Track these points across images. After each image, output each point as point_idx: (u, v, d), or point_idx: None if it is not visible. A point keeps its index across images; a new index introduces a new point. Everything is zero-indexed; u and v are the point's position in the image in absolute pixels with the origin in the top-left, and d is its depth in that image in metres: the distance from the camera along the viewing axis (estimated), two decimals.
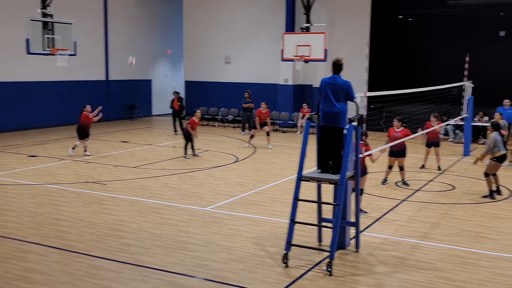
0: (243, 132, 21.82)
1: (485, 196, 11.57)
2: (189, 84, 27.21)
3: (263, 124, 18.49)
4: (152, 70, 28.46)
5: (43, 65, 21.00)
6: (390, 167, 12.92)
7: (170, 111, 22.20)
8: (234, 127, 24.16)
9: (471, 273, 7.26)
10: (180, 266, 7.43)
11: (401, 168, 12.88)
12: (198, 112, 16.67)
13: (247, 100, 21.72)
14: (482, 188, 12.15)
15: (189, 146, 16.06)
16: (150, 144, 18.76)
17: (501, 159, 11.57)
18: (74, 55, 17.62)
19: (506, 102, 17.46)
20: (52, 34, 16.80)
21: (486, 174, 11.69)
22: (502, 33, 25.91)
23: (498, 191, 11.75)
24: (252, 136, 18.40)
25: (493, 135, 11.65)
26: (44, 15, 16.71)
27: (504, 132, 14.49)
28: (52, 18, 16.86)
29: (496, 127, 11.95)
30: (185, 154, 16.00)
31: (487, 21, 26.32)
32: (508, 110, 17.29)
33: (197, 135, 16.48)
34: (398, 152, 12.76)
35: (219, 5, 26.08)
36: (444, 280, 7.03)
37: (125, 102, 26.60)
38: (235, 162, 15.64)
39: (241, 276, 7.10)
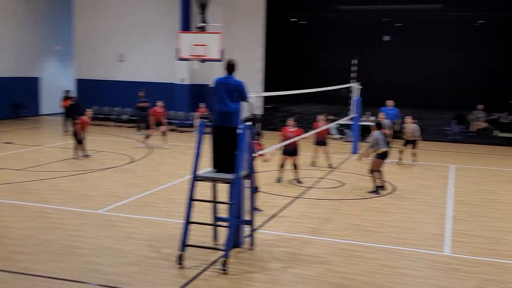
0: (138, 132, 21.35)
1: (371, 192, 12.24)
2: (81, 83, 26.14)
3: (158, 124, 18.22)
4: (40, 67, 26.97)
5: None
6: (282, 166, 13.26)
7: (61, 110, 21.21)
8: (129, 127, 23.56)
9: (358, 265, 7.65)
10: (71, 272, 7.11)
11: (295, 167, 13.27)
12: (89, 112, 16.06)
13: (142, 99, 21.29)
14: (368, 184, 12.83)
15: (80, 147, 15.43)
16: (38, 145, 17.78)
17: (383, 156, 12.32)
18: None
19: (389, 103, 18.60)
20: None
21: (371, 171, 12.38)
22: (386, 38, 27.59)
23: (382, 187, 12.49)
24: (147, 136, 18.08)
25: (375, 134, 12.37)
26: None
27: (387, 131, 15.44)
28: None
29: (379, 126, 12.73)
30: (76, 155, 15.34)
31: (373, 26, 27.89)
32: (391, 110, 18.43)
33: (84, 136, 15.57)
34: (291, 151, 13.13)
35: (112, 1, 25.32)
36: (333, 273, 7.35)
37: (9, 100, 24.95)
38: (130, 163, 15.27)
39: (134, 279, 6.95)
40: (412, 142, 15.97)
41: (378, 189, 12.29)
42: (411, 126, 15.87)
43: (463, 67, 26.56)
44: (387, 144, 13.05)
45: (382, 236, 9.12)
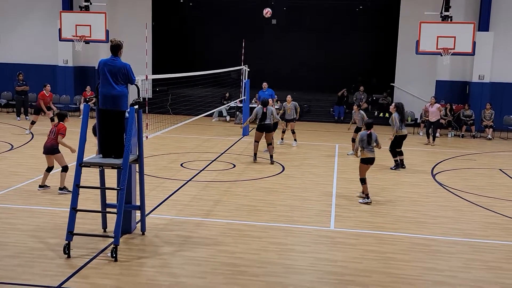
0: (18, 118, 20.10)
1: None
2: None
3: (48, 108, 17.30)
4: None
5: None
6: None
7: None
8: (8, 112, 22.09)
9: (248, 244, 7.85)
10: None
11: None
12: None
13: (21, 82, 20.03)
14: (258, 165, 13.15)
15: None
16: None
17: (259, 128, 13.70)
18: None
19: (264, 85, 19.20)
20: None
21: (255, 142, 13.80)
22: (273, 21, 28.15)
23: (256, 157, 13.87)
24: (33, 122, 16.97)
25: (255, 109, 13.94)
26: None
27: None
28: None
29: (264, 103, 13.97)
30: None
31: (261, 9, 28.26)
32: (266, 92, 19.09)
33: None
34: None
35: None
36: (225, 253, 7.48)
37: None
38: (10, 150, 14.35)
39: (17, 273, 6.59)
40: (291, 121, 16.50)
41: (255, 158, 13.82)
42: (291, 104, 16.41)
43: (345, 50, 27.85)
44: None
45: (271, 214, 9.41)
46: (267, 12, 11.37)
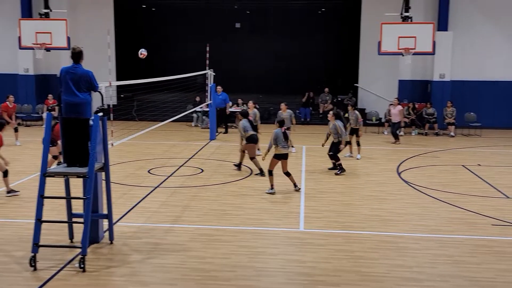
0: None
1: (257, 174, 12.83)
2: None
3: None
4: None
5: None
6: None
7: None
8: None
9: (218, 249, 7.84)
10: None
11: None
12: None
13: None
14: (225, 169, 13.14)
15: None
16: None
17: (251, 140, 13.05)
18: None
19: (219, 88, 19.31)
20: None
21: (251, 158, 13.01)
22: (237, 25, 28.19)
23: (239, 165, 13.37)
24: None
25: (242, 122, 13.27)
26: None
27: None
28: None
29: (244, 115, 13.58)
30: None
31: (224, 13, 28.31)
32: (220, 96, 19.22)
33: None
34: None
35: None
36: (194, 258, 7.44)
37: None
38: None
39: None
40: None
41: (240, 166, 13.28)
42: (252, 111, 15.51)
43: (310, 52, 28.07)
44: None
45: (239, 218, 9.41)
46: (142, 54, 11.45)
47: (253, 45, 28.42)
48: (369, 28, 21.92)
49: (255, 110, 15.41)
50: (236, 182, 12.20)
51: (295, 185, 11.36)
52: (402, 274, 7.03)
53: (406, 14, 17.54)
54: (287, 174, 11.30)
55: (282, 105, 15.35)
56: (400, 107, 18.49)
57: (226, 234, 8.51)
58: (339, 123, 13.07)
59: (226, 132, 20.10)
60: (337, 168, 13.15)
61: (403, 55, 17.41)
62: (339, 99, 24.64)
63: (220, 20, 28.27)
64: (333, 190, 11.58)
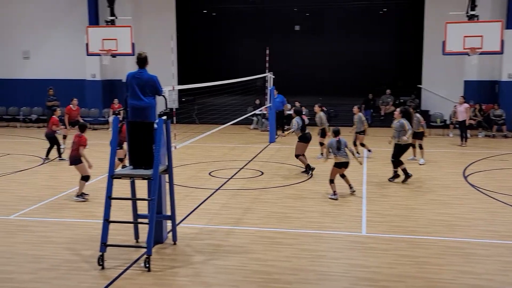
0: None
1: (303, 172, 13.01)
2: None
3: (74, 123, 17.49)
4: None
5: None
6: None
7: None
8: (39, 127, 22.53)
9: (279, 252, 7.83)
10: None
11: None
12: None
13: (52, 97, 20.43)
14: (286, 171, 13.13)
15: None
16: None
17: (304, 139, 13.03)
18: None
19: (275, 91, 19.27)
20: None
21: (297, 156, 13.08)
22: (297, 27, 28.13)
23: (310, 168, 13.16)
24: (64, 136, 17.17)
25: (294, 119, 13.17)
26: None
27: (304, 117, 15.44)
28: None
29: (297, 112, 13.48)
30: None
31: (283, 16, 28.34)
32: (276, 98, 19.18)
33: None
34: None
35: None
36: (255, 261, 7.47)
37: None
38: (42, 164, 14.63)
39: (53, 285, 6.71)
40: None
41: (308, 169, 13.02)
42: (318, 115, 15.27)
43: (370, 54, 27.62)
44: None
45: (301, 221, 9.37)
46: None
47: (312, 47, 28.26)
48: (433, 27, 21.29)
49: (321, 113, 15.24)
50: (296, 185, 12.17)
51: (350, 187, 11.22)
52: (470, 281, 6.78)
53: (472, 12, 16.93)
54: (342, 176, 11.18)
55: (355, 108, 15.45)
56: (466, 105, 17.84)
57: (287, 237, 8.50)
58: (405, 121, 12.31)
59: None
60: (395, 175, 12.40)
61: (469, 55, 16.81)
62: (401, 100, 24.09)
63: (279, 23, 28.32)
64: (396, 194, 11.33)
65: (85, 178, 10.77)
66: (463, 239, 8.38)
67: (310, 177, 12.82)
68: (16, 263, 7.42)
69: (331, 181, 10.97)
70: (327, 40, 28.28)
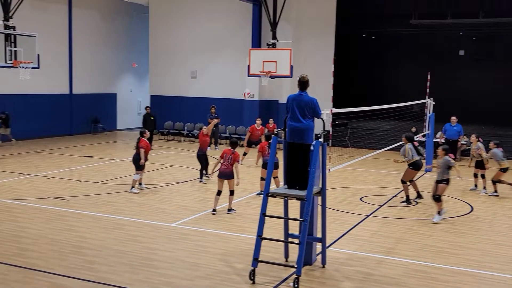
0: (216, 147, 21.69)
1: (402, 202, 12.63)
2: (155, 99, 27.02)
3: (256, 142, 18.02)
4: (117, 84, 28.14)
5: (6, 78, 20.66)
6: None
7: (135, 125, 21.93)
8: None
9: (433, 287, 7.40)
10: (145, 284, 7.32)
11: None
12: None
13: (213, 115, 21.71)
14: (445, 204, 12.41)
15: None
16: (115, 159, 18.49)
17: (415, 166, 12.59)
18: (37, 68, 17.31)
19: (453, 119, 18.34)
20: (15, 47, 16.46)
21: (403, 181, 12.73)
22: (461, 52, 26.73)
23: (419, 196, 12.88)
24: (245, 154, 17.84)
25: (407, 145, 12.65)
26: (6, 27, 16.38)
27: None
28: (14, 30, 16.54)
29: (409, 138, 12.86)
30: (201, 177, 14.78)
31: (447, 40, 27.14)
32: (454, 127, 18.14)
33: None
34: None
35: (185, 20, 26.11)
36: None
37: (89, 116, 26.20)
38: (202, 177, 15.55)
39: None
40: (479, 163, 14.21)
41: (409, 199, 12.69)
42: (475, 145, 14.22)
43: None
44: (422, 155, 12.91)
45: (458, 258, 8.77)
46: (247, 93, 11.15)
47: (477, 73, 26.67)
48: None
49: (479, 144, 14.24)
50: (453, 218, 11.44)
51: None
52: None
53: None
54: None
55: (491, 144, 14.16)
56: None
57: (442, 273, 7.99)
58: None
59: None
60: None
61: None
62: None
63: (440, 47, 27.17)
64: None
65: (232, 192, 11.40)
66: None
67: (470, 212, 11.97)
68: (176, 269, 7.93)
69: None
70: (493, 66, 26.48)
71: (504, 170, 13.60)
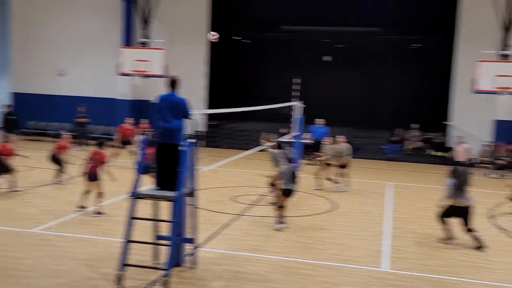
0: (78, 148, 20.76)
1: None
2: (17, 96, 25.22)
3: (126, 142, 17.48)
4: None
5: None
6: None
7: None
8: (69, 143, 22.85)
9: (299, 282, 7.73)
10: None
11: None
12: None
13: (82, 114, 20.82)
14: (313, 201, 13.03)
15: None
16: None
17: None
18: None
19: (319, 121, 19.45)
20: None
21: (271, 184, 12.30)
22: (327, 58, 28.30)
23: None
24: (116, 154, 17.20)
25: (274, 152, 11.97)
26: None
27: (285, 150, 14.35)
28: None
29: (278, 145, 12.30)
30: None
31: (314, 46, 28.56)
32: (320, 128, 19.23)
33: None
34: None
35: (50, 12, 24.71)
36: None
37: None
38: (69, 179, 14.81)
39: None
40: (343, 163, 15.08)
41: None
42: (343, 146, 15.14)
43: (399, 88, 27.58)
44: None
45: (322, 252, 9.26)
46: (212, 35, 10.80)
47: (340, 79, 28.39)
48: (463, 65, 21.20)
49: (346, 144, 15.20)
50: (319, 215, 12.06)
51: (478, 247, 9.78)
52: None
53: (505, 52, 16.84)
54: (469, 230, 9.85)
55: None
56: (465, 145, 17.84)
57: (307, 268, 8.39)
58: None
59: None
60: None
61: (499, 94, 16.66)
62: (428, 136, 23.92)
63: (309, 53, 28.52)
64: (420, 230, 11.12)
65: (101, 194, 11.04)
66: (489, 283, 8.16)
67: (330, 210, 12.71)
68: (39, 277, 7.46)
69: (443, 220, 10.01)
70: (357, 72, 28.39)
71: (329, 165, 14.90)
